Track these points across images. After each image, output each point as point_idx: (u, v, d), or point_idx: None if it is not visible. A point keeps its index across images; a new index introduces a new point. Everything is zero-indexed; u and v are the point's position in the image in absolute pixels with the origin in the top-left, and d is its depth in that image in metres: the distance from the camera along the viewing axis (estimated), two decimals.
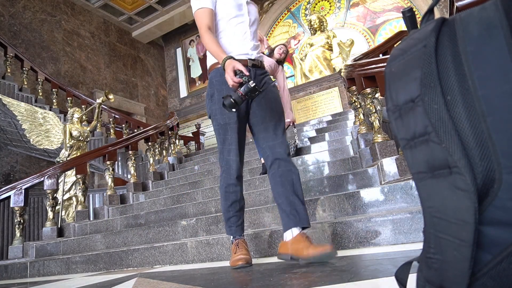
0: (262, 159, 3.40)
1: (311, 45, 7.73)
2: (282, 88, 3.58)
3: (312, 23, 7.84)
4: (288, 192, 1.49)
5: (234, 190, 1.63)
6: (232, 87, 1.38)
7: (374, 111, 2.58)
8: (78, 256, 2.57)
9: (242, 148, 1.65)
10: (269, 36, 8.99)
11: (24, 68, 5.81)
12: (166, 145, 5.17)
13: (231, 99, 1.33)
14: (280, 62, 3.65)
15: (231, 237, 1.65)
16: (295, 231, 1.45)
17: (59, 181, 3.86)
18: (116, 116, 6.09)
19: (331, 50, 7.48)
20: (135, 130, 5.74)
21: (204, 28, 1.54)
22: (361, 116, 3.03)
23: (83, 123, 4.78)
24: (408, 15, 0.52)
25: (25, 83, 5.80)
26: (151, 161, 4.63)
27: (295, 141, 3.56)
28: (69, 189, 4.33)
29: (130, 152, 4.28)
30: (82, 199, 3.83)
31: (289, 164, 1.55)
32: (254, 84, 1.33)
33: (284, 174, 1.53)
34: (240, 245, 1.58)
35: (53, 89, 6.03)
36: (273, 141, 1.58)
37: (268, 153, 1.58)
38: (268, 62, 3.47)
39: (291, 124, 3.57)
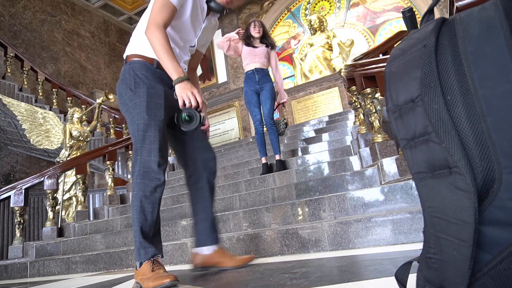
0: (263, 158, 3.38)
1: (311, 45, 7.73)
2: (274, 69, 3.54)
3: (312, 23, 7.84)
4: (211, 209, 1.58)
5: (153, 200, 1.36)
6: (186, 107, 1.29)
7: (374, 111, 2.58)
8: (78, 256, 2.56)
9: (166, 150, 1.42)
10: None
11: (24, 68, 5.81)
12: None
13: (200, 115, 1.28)
14: (265, 40, 3.45)
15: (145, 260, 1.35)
16: (215, 247, 1.56)
17: (59, 181, 3.86)
18: (116, 116, 6.09)
19: (331, 50, 7.49)
20: None
21: (160, 23, 1.32)
22: (361, 116, 3.03)
23: (83, 123, 4.79)
24: (408, 15, 0.52)
25: (25, 83, 5.80)
26: None
27: (285, 119, 3.56)
28: (69, 189, 4.33)
29: (130, 152, 4.28)
30: (82, 199, 3.83)
31: (215, 178, 1.61)
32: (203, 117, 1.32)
33: (211, 189, 1.59)
34: (157, 263, 1.34)
35: (53, 89, 6.03)
36: (207, 154, 1.56)
37: (198, 164, 1.53)
38: (262, 53, 3.39)
39: (282, 104, 3.61)
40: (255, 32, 3.39)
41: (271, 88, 3.38)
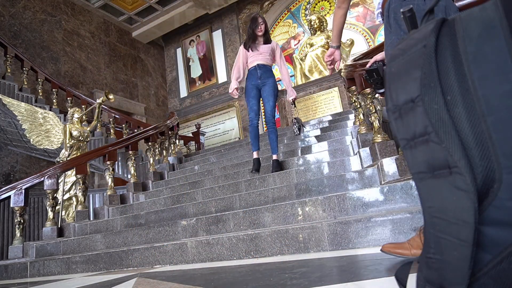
0: (254, 153, 3.31)
1: (311, 45, 7.73)
2: (280, 64, 3.41)
3: (312, 23, 7.84)
4: None
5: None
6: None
7: (374, 111, 2.58)
8: (78, 256, 2.57)
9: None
10: None
11: (24, 68, 5.81)
12: (166, 145, 5.17)
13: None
14: (266, 35, 3.35)
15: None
16: None
17: (59, 181, 3.86)
18: (116, 116, 6.09)
19: None
20: (135, 130, 5.74)
21: None
22: (361, 116, 3.03)
23: (83, 123, 4.78)
24: (408, 15, 0.52)
25: (25, 83, 5.80)
26: (151, 161, 4.63)
27: (296, 121, 3.35)
28: (69, 189, 4.33)
29: (130, 152, 4.28)
30: (82, 199, 3.83)
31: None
32: None
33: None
34: None
35: (53, 89, 6.03)
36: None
37: None
38: (266, 51, 3.30)
39: (293, 103, 3.41)
40: (258, 31, 3.28)
41: (273, 84, 3.27)
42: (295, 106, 3.47)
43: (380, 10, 1.50)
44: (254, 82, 3.29)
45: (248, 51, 3.34)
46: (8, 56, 5.65)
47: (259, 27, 3.29)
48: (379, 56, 1.49)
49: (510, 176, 0.37)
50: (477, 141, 0.39)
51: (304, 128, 3.41)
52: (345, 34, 7.83)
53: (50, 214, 3.55)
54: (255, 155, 3.28)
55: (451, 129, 0.40)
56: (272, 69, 3.37)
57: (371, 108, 2.58)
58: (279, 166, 3.21)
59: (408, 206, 1.78)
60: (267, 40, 3.35)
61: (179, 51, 10.02)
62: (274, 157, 3.25)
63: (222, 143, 7.83)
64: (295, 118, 3.39)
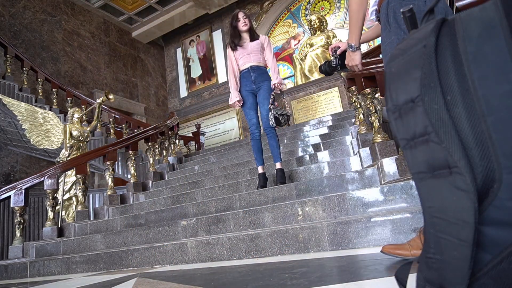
0: (259, 167, 3.01)
1: (311, 45, 7.73)
2: (266, 54, 3.07)
3: (312, 23, 7.84)
4: None
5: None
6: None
7: (374, 111, 2.58)
8: (78, 256, 2.57)
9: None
10: (269, 36, 8.98)
11: (24, 68, 5.81)
12: (166, 145, 5.17)
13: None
14: (252, 31, 3.07)
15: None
16: None
17: (59, 181, 3.86)
18: (116, 116, 6.09)
19: None
20: (135, 130, 5.74)
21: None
22: (361, 116, 3.03)
23: (83, 123, 4.78)
24: (408, 15, 0.52)
25: (25, 83, 5.80)
26: (151, 161, 4.63)
27: (283, 110, 2.93)
28: (69, 189, 4.33)
29: (130, 152, 4.28)
30: (82, 199, 3.83)
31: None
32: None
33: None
34: None
35: (53, 89, 6.03)
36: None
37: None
38: (256, 48, 3.01)
39: (280, 91, 3.03)
40: (242, 25, 2.99)
41: (269, 87, 2.98)
42: (281, 94, 3.04)
43: (375, 7, 1.47)
44: (248, 87, 3.01)
45: (236, 50, 3.05)
46: (8, 56, 5.65)
47: (242, 21, 3.00)
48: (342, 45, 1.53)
49: (510, 176, 0.37)
50: (477, 141, 0.39)
51: (284, 118, 2.89)
52: (345, 34, 7.83)
53: (50, 214, 3.55)
54: (260, 170, 2.97)
55: (451, 129, 0.40)
56: (268, 71, 3.09)
57: (371, 108, 2.58)
58: (283, 176, 2.89)
59: (408, 206, 1.78)
60: (253, 36, 3.06)
61: (179, 51, 10.02)
62: (278, 165, 2.92)
63: (222, 143, 7.84)
64: (271, 104, 2.91)
